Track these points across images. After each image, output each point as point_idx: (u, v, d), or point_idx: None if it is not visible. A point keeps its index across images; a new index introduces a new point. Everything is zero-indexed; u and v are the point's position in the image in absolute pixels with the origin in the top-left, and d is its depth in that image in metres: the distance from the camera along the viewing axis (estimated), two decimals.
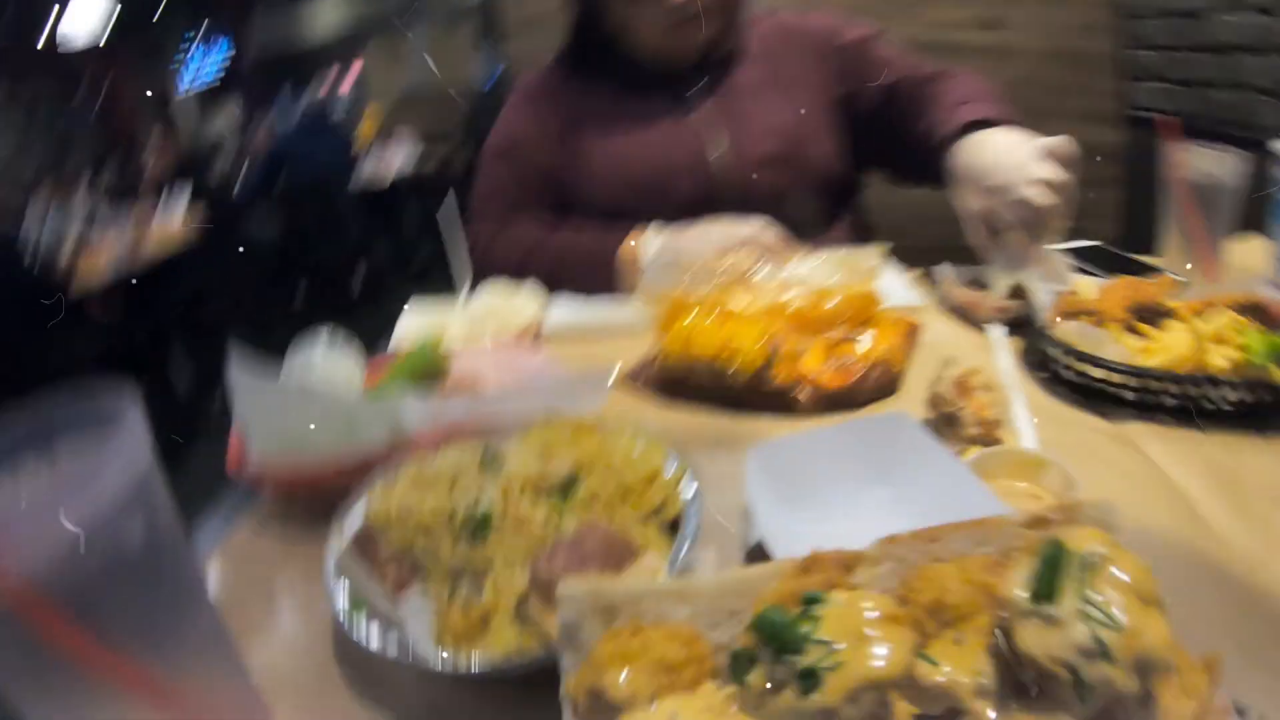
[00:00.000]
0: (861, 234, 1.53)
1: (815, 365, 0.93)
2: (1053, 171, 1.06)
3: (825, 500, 0.71)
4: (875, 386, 0.94)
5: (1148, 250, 1.30)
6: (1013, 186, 1.07)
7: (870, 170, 1.56)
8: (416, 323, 1.18)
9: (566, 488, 0.66)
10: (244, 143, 6.91)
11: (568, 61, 1.49)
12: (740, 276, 1.03)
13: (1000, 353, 1.02)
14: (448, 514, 0.64)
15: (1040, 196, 1.05)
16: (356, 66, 8.86)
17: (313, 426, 0.78)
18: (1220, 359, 0.85)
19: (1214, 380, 0.84)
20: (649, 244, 1.27)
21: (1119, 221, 2.20)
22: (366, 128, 7.41)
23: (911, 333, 1.06)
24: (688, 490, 0.68)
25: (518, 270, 1.30)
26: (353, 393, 0.90)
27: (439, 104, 7.45)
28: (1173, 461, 0.79)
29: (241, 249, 5.40)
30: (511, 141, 1.47)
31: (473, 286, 1.36)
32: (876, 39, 1.47)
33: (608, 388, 0.85)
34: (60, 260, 4.14)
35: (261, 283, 6.07)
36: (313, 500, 0.78)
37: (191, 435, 4.36)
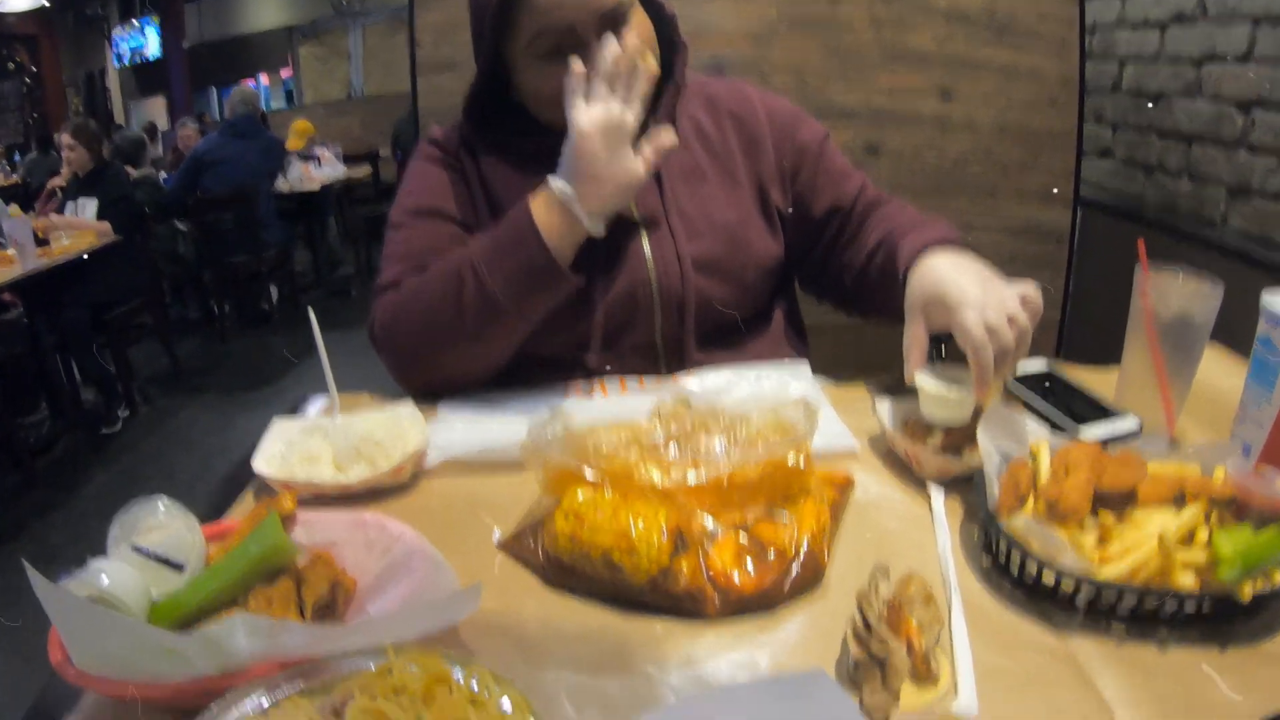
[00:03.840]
0: (795, 325, 1.43)
1: (728, 561, 0.79)
2: (1022, 316, 0.96)
3: None
4: (798, 585, 0.80)
5: (1089, 346, 1.20)
6: (990, 308, 0.96)
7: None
8: (279, 450, 1.02)
9: None
10: (169, 138, 6.67)
11: (476, 123, 1.31)
12: (647, 443, 0.88)
13: (940, 530, 0.90)
14: None
15: (1008, 331, 0.95)
16: (289, 68, 8.62)
17: (131, 653, 0.65)
18: (1185, 574, 0.75)
19: (1177, 596, 0.74)
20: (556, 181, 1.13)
21: (1063, 307, 2.14)
22: (296, 130, 7.17)
23: (843, 494, 0.94)
24: None
25: (431, 317, 1.15)
26: (145, 609, 0.74)
27: (373, 108, 7.28)
28: (1123, 700, 0.69)
29: (156, 251, 5.14)
30: (430, 204, 1.29)
31: (393, 373, 1.23)
32: (829, 142, 1.37)
33: (477, 600, 0.70)
34: None
35: (176, 285, 5.84)
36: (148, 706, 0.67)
37: (95, 445, 4.22)
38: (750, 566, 0.80)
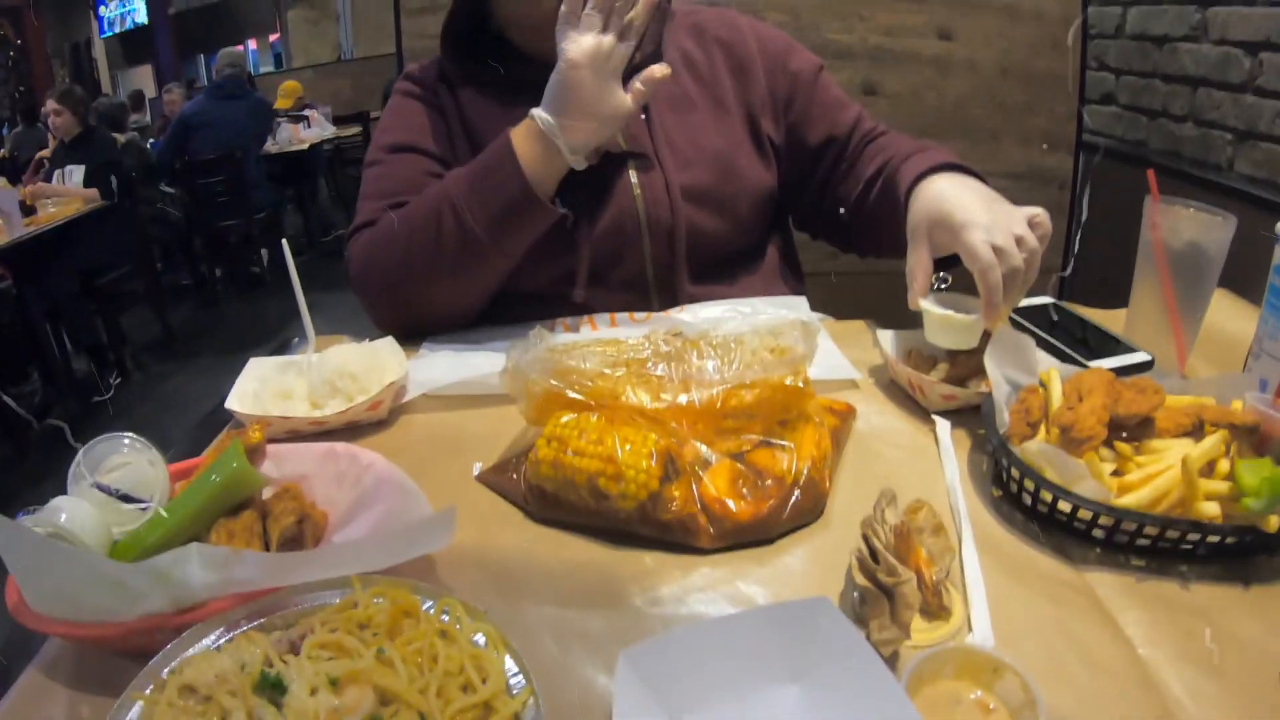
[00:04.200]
0: (790, 263, 1.38)
1: (722, 488, 0.74)
2: (1031, 237, 0.91)
3: (719, 707, 0.56)
4: (795, 514, 0.76)
5: (1093, 291, 1.15)
6: (997, 229, 0.90)
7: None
8: (252, 387, 0.97)
9: None
10: (156, 106, 6.58)
11: (454, 54, 1.24)
12: (636, 364, 0.82)
13: (947, 461, 0.86)
14: None
15: (1017, 252, 0.89)
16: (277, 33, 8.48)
17: (79, 588, 0.61)
18: (1209, 505, 0.70)
19: (1199, 526, 0.69)
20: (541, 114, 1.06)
21: (1065, 254, 2.08)
22: (284, 90, 7.07)
23: (844, 422, 0.89)
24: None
25: (409, 254, 1.10)
26: (105, 546, 0.70)
27: (363, 69, 7.17)
28: (1145, 638, 0.64)
29: (146, 216, 5.07)
30: (406, 139, 1.23)
31: (371, 314, 1.18)
32: (824, 74, 1.30)
33: (452, 529, 0.65)
34: None
35: (167, 251, 5.78)
36: (104, 649, 0.64)
37: (88, 412, 4.17)
38: (746, 493, 0.75)
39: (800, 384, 0.81)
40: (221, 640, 0.57)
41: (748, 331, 0.88)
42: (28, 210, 4.17)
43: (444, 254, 1.08)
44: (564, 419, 0.78)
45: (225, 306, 5.76)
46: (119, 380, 4.54)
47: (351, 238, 1.19)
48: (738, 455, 0.78)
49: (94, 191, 4.49)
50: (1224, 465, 0.73)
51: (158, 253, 5.48)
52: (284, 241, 1.06)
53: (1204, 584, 0.69)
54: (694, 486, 0.74)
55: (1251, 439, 0.76)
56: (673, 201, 1.18)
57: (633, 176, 1.18)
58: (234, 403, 0.95)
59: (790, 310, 1.17)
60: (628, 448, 0.74)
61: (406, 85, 1.27)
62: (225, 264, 5.95)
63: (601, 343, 0.88)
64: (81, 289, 4.32)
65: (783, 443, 0.79)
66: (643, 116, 1.20)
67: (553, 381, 0.80)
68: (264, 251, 5.97)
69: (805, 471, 0.77)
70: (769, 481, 0.76)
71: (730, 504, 0.74)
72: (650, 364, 0.81)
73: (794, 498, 0.76)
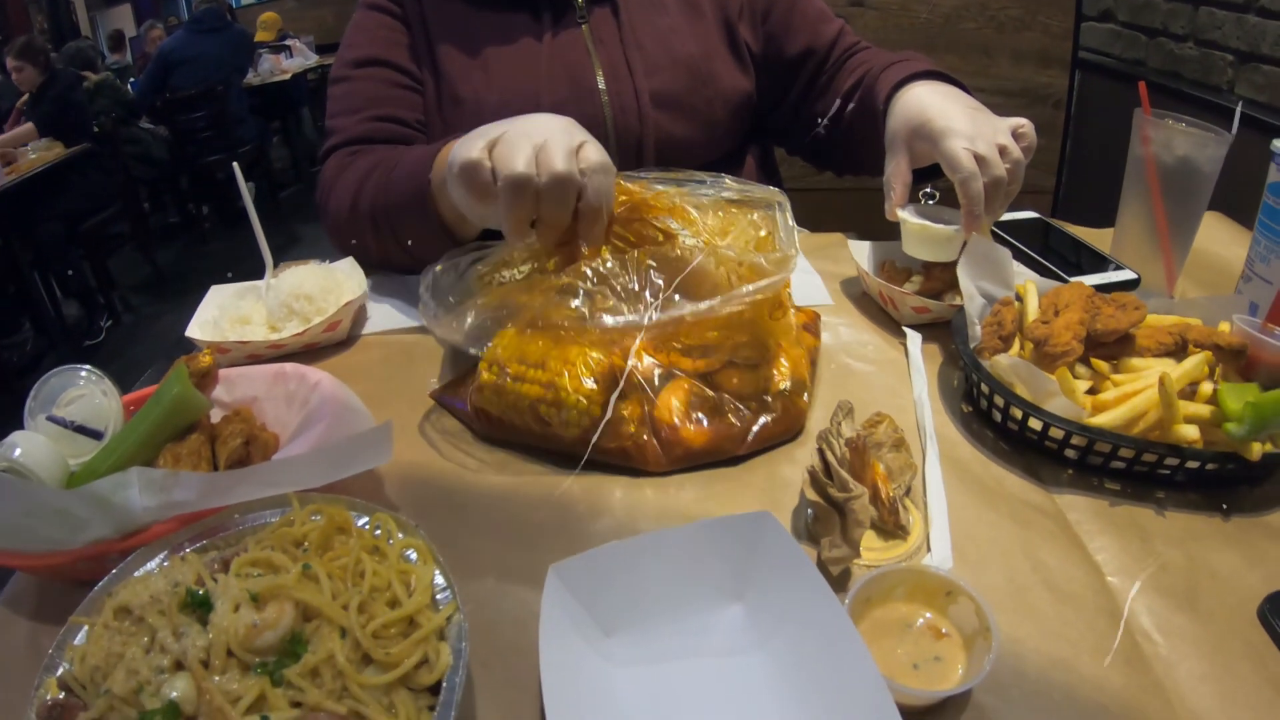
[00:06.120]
0: (769, 172, 1.34)
1: (675, 409, 0.71)
2: (1015, 147, 0.87)
3: (654, 624, 0.55)
4: (764, 437, 0.73)
5: (1084, 215, 1.11)
6: (980, 137, 0.87)
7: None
8: (212, 315, 0.94)
9: (287, 652, 0.46)
10: (137, 45, 6.43)
11: None
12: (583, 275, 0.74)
13: (916, 375, 0.83)
14: (134, 694, 0.45)
15: (1000, 161, 0.86)
16: None
17: (26, 519, 0.59)
18: (1188, 429, 0.67)
19: (1177, 450, 0.67)
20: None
21: (1058, 174, 2.05)
22: (264, 23, 6.90)
23: (818, 339, 0.87)
24: (457, 638, 0.48)
25: (351, 211, 1.04)
26: (61, 478, 0.69)
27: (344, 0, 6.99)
28: (1115, 566, 0.62)
29: (130, 156, 4.98)
30: (372, 53, 1.17)
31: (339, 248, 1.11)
32: None
33: (389, 444, 0.63)
34: None
35: (153, 190, 5.71)
36: (58, 578, 0.65)
37: (80, 358, 4.14)
38: (701, 418, 0.72)
39: (781, 312, 0.77)
40: (164, 563, 0.56)
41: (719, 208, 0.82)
42: (7, 160, 4.09)
43: (383, 241, 1.03)
44: (505, 340, 0.74)
45: (214, 243, 5.69)
46: (110, 323, 4.51)
47: (323, 160, 1.13)
48: (703, 376, 0.75)
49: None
50: (1206, 388, 0.71)
51: (144, 193, 5.40)
52: (235, 165, 1.02)
53: (1181, 512, 0.67)
54: (645, 408, 0.71)
55: (1237, 362, 0.73)
56: (641, 109, 1.13)
57: (600, 83, 1.14)
58: (194, 331, 0.93)
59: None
60: (567, 372, 0.71)
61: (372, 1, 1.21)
62: (212, 200, 5.87)
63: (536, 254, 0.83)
64: (67, 234, 4.26)
65: (754, 364, 0.75)
66: (613, 19, 1.15)
67: (482, 311, 0.75)
68: (250, 185, 5.88)
69: (781, 394, 0.74)
70: (736, 405, 0.73)
71: (683, 427, 0.71)
72: (598, 280, 0.73)
73: (762, 421, 0.73)
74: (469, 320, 0.75)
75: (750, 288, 0.71)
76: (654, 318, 0.71)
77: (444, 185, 0.87)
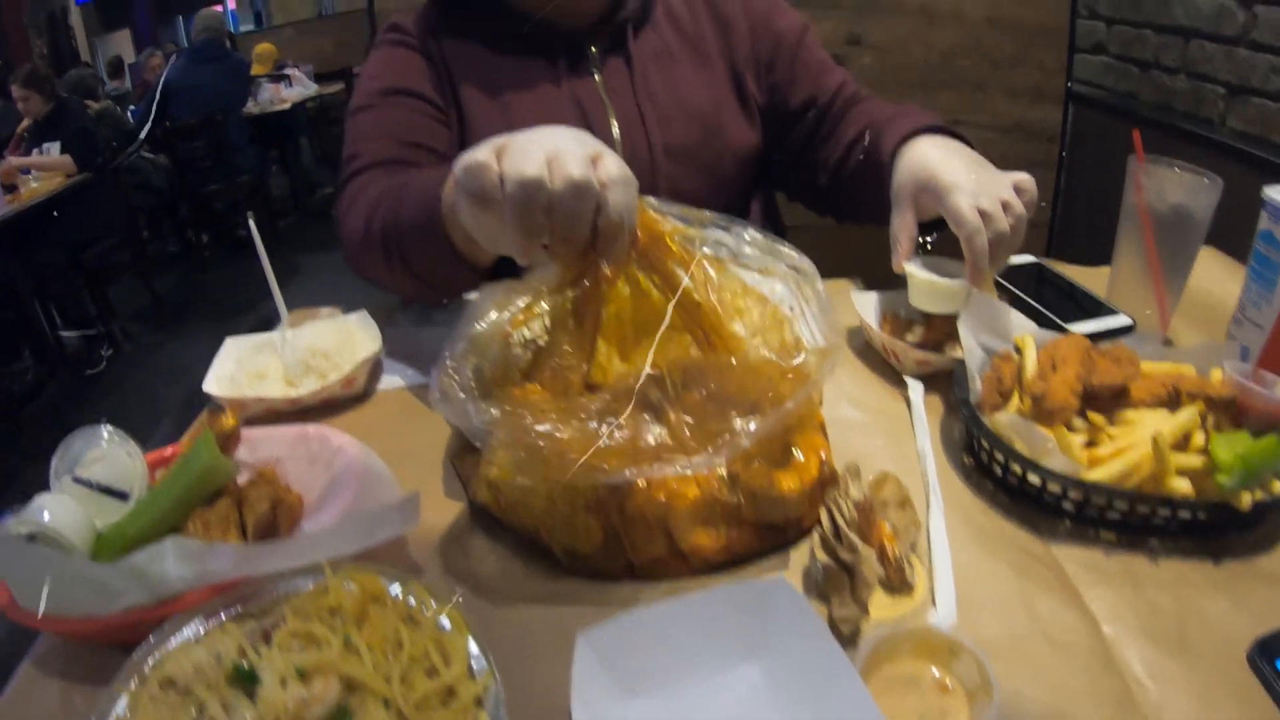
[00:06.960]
0: (773, 224, 1.37)
1: (695, 523, 0.68)
2: (1017, 202, 0.90)
3: (677, 687, 0.57)
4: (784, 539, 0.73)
5: (1079, 247, 1.13)
6: (983, 193, 0.89)
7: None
8: (229, 369, 0.97)
9: None
10: (136, 72, 6.46)
11: (441, 4, 1.19)
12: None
13: (919, 427, 0.86)
14: None
15: (1003, 216, 0.88)
16: None
17: (64, 589, 0.61)
18: (1180, 480, 0.70)
19: (1169, 502, 0.70)
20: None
21: (1053, 209, 2.08)
22: (260, 55, 6.94)
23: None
24: (495, 705, 0.50)
25: (365, 234, 1.01)
26: (89, 540, 0.70)
27: (345, 25, 7.03)
28: (1110, 614, 0.65)
29: (129, 184, 5.01)
30: (400, 84, 1.15)
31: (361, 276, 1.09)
32: (809, 34, 1.27)
33: (417, 512, 0.66)
34: None
35: (153, 219, 5.73)
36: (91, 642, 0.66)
37: (80, 386, 4.17)
38: (724, 529, 0.69)
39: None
40: (200, 630, 0.58)
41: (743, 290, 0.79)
42: (9, 188, 4.12)
43: (395, 275, 1.01)
44: (500, 460, 0.69)
45: (213, 272, 5.71)
46: (110, 352, 4.52)
47: (344, 185, 1.11)
48: (731, 477, 0.70)
49: (68, 159, 4.44)
50: (1199, 438, 0.73)
51: (143, 221, 5.43)
52: (249, 215, 1.05)
53: (1173, 560, 0.69)
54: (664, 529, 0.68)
55: (1229, 412, 0.76)
56: (654, 160, 1.16)
57: (615, 132, 1.16)
58: (211, 386, 0.94)
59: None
60: (562, 507, 0.68)
61: (394, 35, 1.21)
62: (211, 230, 5.90)
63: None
64: (68, 263, 4.28)
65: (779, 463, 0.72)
66: (626, 71, 1.18)
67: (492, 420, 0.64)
68: (250, 214, 5.92)
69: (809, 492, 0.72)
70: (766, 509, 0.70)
71: (705, 542, 0.69)
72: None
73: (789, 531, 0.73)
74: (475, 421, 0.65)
75: (792, 404, 0.66)
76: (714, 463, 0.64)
77: (455, 205, 0.82)
